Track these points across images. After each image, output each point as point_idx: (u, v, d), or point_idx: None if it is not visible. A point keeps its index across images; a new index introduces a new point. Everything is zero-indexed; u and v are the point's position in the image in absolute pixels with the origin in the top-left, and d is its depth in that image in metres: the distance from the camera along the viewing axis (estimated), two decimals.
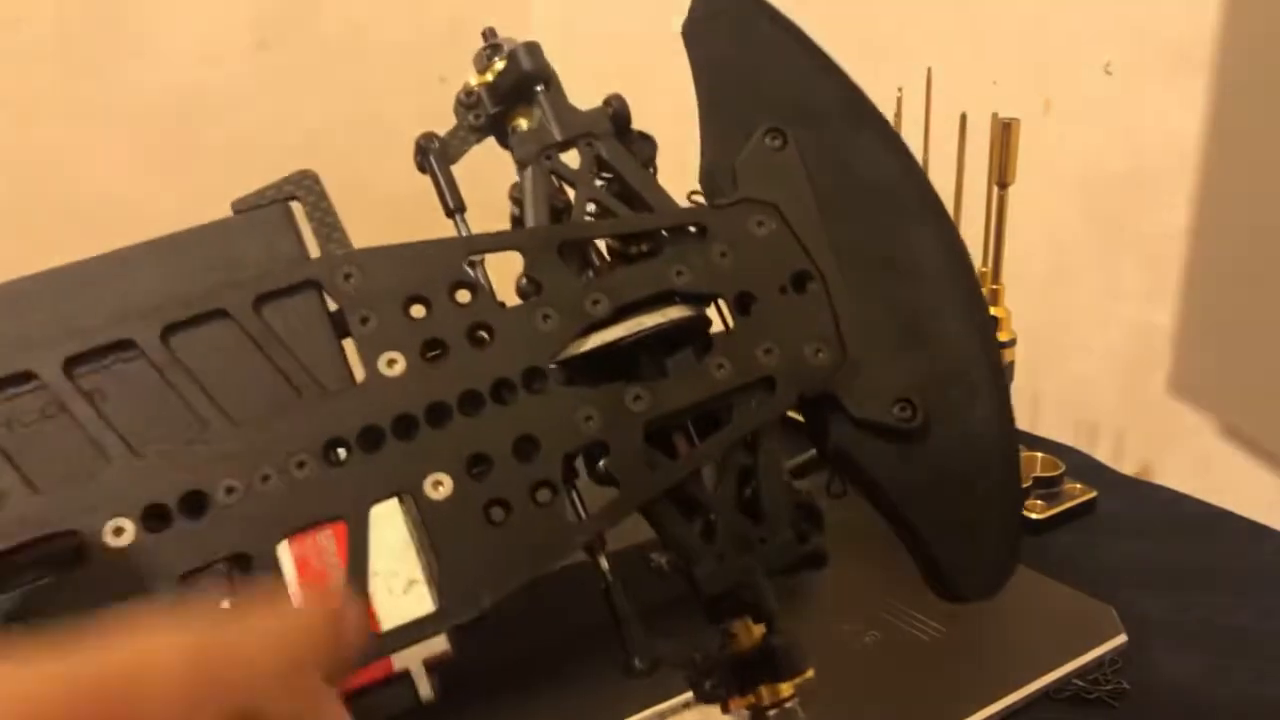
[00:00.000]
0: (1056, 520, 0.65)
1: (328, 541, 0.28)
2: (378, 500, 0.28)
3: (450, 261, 0.31)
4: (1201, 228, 0.78)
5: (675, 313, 0.32)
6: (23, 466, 0.27)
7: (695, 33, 0.37)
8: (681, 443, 0.33)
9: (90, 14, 0.97)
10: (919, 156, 0.65)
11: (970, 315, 0.35)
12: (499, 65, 0.36)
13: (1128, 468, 0.78)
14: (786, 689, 0.32)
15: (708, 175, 0.35)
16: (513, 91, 0.36)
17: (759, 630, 0.33)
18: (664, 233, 0.34)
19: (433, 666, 0.28)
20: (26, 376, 0.28)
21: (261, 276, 0.30)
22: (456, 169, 0.36)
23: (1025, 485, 0.66)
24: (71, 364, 0.28)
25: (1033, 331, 0.67)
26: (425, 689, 0.28)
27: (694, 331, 0.33)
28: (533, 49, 0.36)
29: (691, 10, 0.37)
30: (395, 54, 1.04)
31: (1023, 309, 0.65)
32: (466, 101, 0.37)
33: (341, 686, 0.27)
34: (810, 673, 0.32)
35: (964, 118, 0.64)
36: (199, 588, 0.27)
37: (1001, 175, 0.62)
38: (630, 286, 0.32)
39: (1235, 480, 0.77)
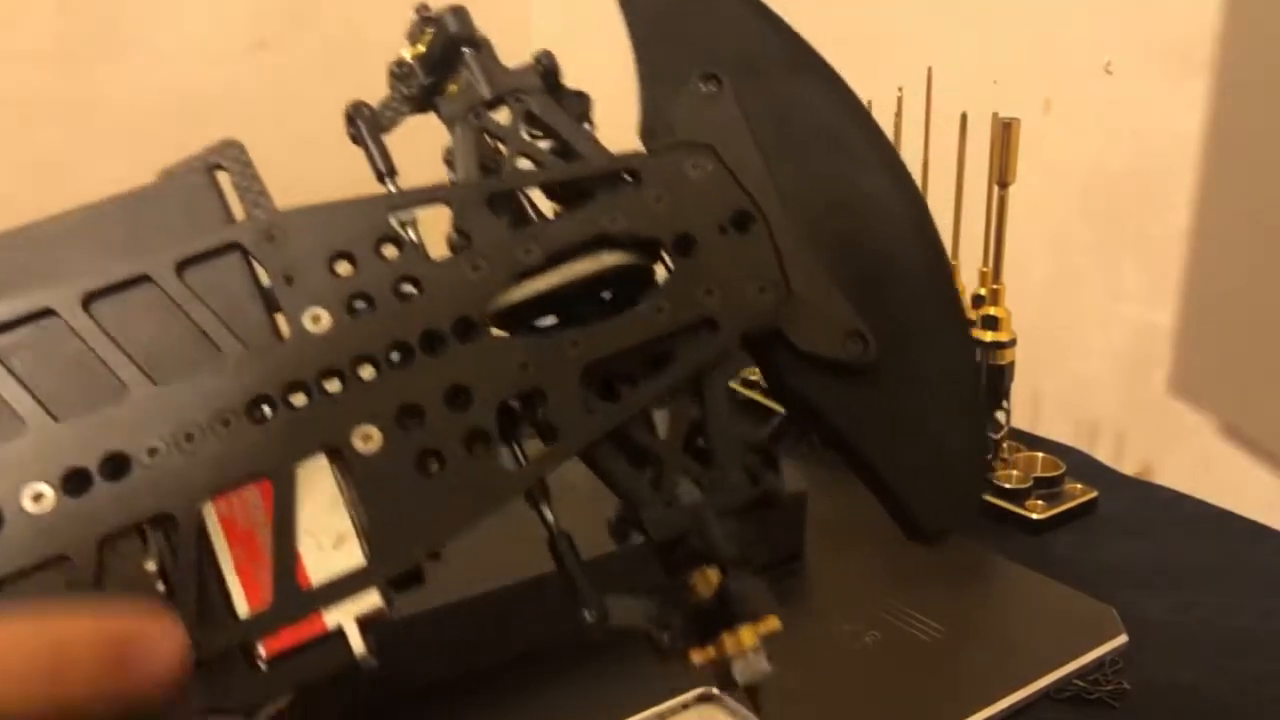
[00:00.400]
0: (1057, 520, 0.64)
1: (255, 499, 0.28)
2: (304, 456, 0.28)
3: (375, 217, 0.31)
4: (1202, 228, 0.78)
5: (610, 259, 0.32)
6: None
7: None
8: (626, 391, 0.32)
9: (90, 14, 0.97)
10: (919, 156, 0.65)
11: (924, 249, 0.34)
12: (429, 35, 0.36)
13: (1128, 468, 0.78)
14: (749, 637, 0.31)
15: (647, 132, 0.35)
16: (443, 60, 0.36)
17: (716, 577, 0.31)
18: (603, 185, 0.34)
19: (367, 624, 0.28)
20: None
21: (184, 240, 0.29)
22: (401, 149, 0.36)
23: (1026, 485, 0.66)
24: None
25: (1033, 331, 0.67)
26: (359, 646, 0.27)
27: (641, 281, 0.33)
28: (459, 13, 0.36)
29: None
30: (395, 54, 1.04)
31: (1023, 309, 0.65)
32: (398, 73, 0.37)
33: (269, 647, 0.27)
34: (777, 623, 0.31)
35: (964, 117, 0.64)
36: (121, 551, 0.27)
37: (1002, 175, 0.62)
38: (562, 234, 0.32)
39: (1235, 480, 0.77)
